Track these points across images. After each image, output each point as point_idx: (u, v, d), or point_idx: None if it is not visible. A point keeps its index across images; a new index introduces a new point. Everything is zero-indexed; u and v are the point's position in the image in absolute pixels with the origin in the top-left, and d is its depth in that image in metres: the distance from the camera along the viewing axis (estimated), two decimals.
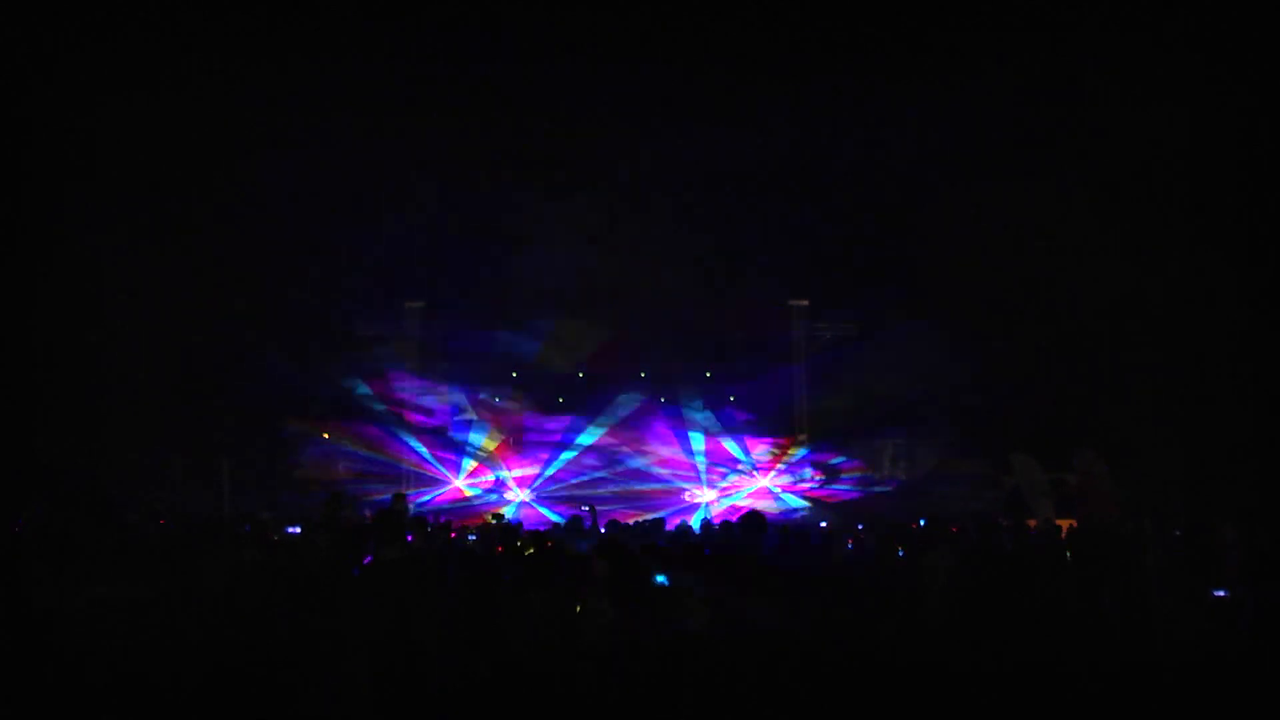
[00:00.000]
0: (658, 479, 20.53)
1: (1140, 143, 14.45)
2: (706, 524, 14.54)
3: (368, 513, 13.02)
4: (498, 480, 20.31)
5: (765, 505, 19.30)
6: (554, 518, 18.45)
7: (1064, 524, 13.57)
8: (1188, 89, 13.80)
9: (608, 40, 14.99)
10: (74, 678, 4.99)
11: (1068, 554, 8.22)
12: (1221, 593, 6.11)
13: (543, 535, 10.02)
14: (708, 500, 20.35)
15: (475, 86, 15.64)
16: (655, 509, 18.91)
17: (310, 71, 14.65)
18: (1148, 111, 14.33)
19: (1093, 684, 5.61)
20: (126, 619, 5.54)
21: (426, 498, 19.19)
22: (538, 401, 20.38)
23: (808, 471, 20.22)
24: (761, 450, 20.40)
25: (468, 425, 20.27)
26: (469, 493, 20.31)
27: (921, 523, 12.19)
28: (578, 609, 5.81)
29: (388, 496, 13.85)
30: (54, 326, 14.72)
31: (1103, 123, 15.27)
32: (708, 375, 20.33)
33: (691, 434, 20.32)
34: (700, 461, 20.51)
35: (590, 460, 20.51)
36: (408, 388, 19.57)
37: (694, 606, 5.86)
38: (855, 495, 19.49)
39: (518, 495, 20.32)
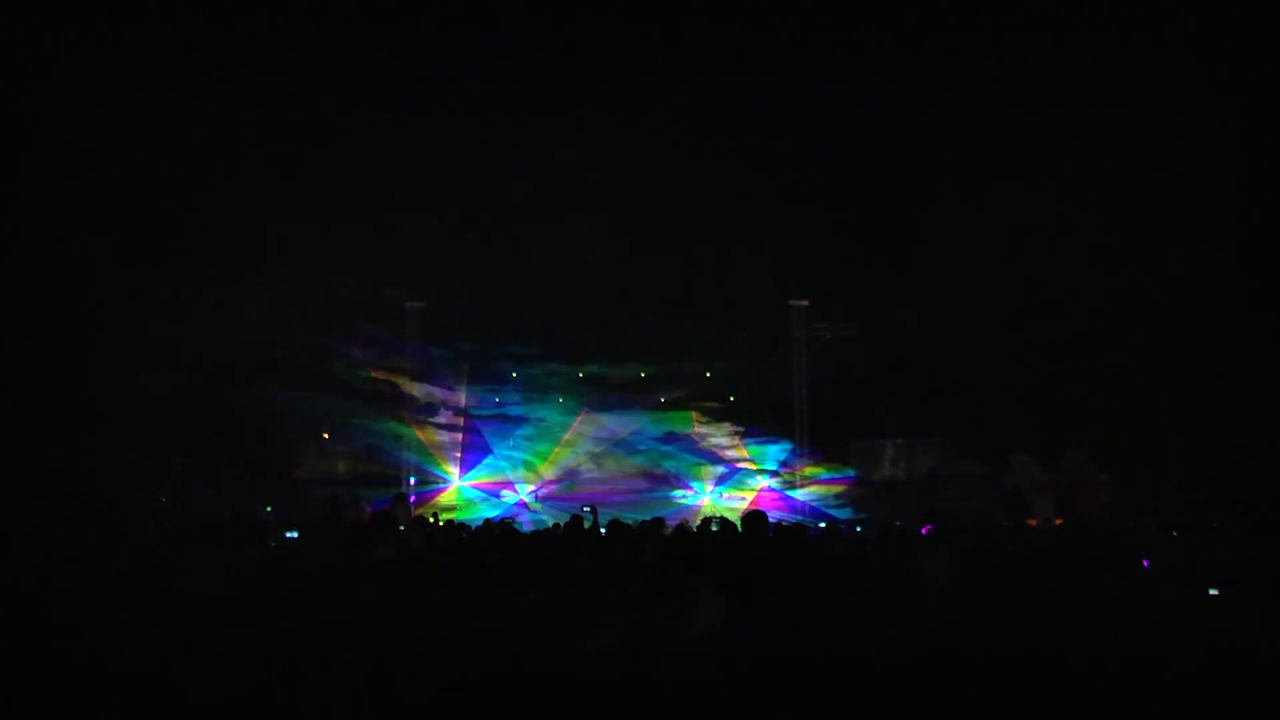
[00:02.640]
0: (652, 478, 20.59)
1: (1139, 143, 14.44)
2: (706, 523, 14.53)
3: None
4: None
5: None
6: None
7: (1059, 522, 13.63)
8: (1186, 90, 13.81)
9: (606, 40, 15.01)
10: (72, 676, 4.99)
11: (1062, 553, 8.22)
12: (1216, 591, 6.13)
13: (544, 536, 10.02)
14: (703, 500, 20.38)
15: (474, 86, 15.66)
16: (653, 509, 18.93)
17: (308, 72, 14.67)
18: (1146, 112, 14.33)
19: (1091, 683, 5.61)
20: (127, 618, 5.55)
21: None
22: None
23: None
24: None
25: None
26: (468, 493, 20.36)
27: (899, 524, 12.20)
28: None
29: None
30: (53, 327, 14.71)
31: (1102, 123, 15.28)
32: (708, 375, 20.35)
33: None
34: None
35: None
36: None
37: (707, 604, 5.84)
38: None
39: (517, 496, 20.37)
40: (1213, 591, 6.17)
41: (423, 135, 16.07)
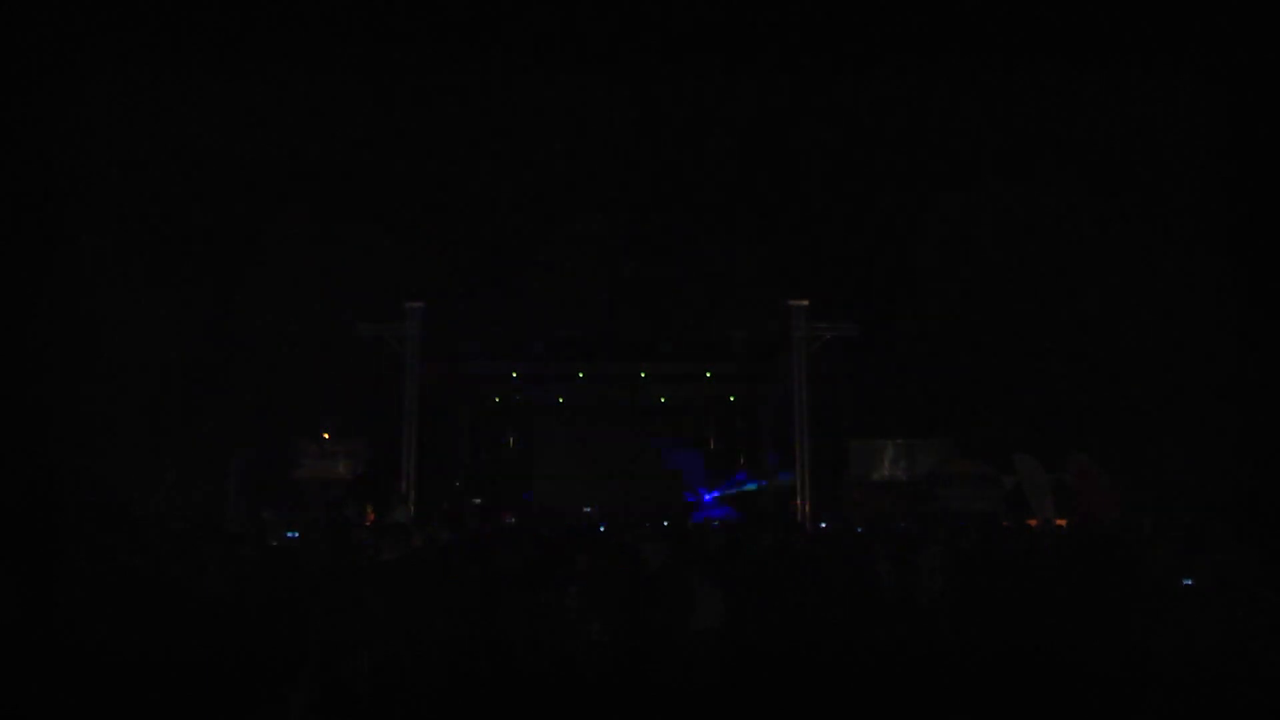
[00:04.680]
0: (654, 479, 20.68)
1: (1139, 142, 14.45)
2: (707, 523, 14.59)
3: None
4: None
5: None
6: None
7: (1060, 523, 13.64)
8: (1187, 89, 13.81)
9: (602, 42, 15.02)
10: (72, 676, 5.00)
11: (1066, 553, 8.23)
12: (1189, 581, 6.15)
13: (544, 536, 10.04)
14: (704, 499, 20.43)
15: (473, 86, 15.66)
16: (654, 509, 18.99)
17: (307, 71, 14.67)
18: (1146, 112, 14.33)
19: (1093, 683, 5.62)
20: (127, 618, 5.56)
21: None
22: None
23: None
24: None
25: None
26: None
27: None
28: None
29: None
30: (53, 329, 14.69)
31: (1102, 123, 15.29)
32: (707, 375, 20.39)
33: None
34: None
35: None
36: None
37: (705, 603, 5.85)
38: None
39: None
40: (1186, 581, 6.19)
41: (421, 134, 16.08)
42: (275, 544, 8.46)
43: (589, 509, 14.77)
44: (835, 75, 15.38)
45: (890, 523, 14.14)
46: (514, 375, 20.37)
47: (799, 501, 18.94)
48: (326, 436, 19.48)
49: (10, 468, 12.86)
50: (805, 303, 19.99)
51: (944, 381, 17.56)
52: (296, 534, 9.28)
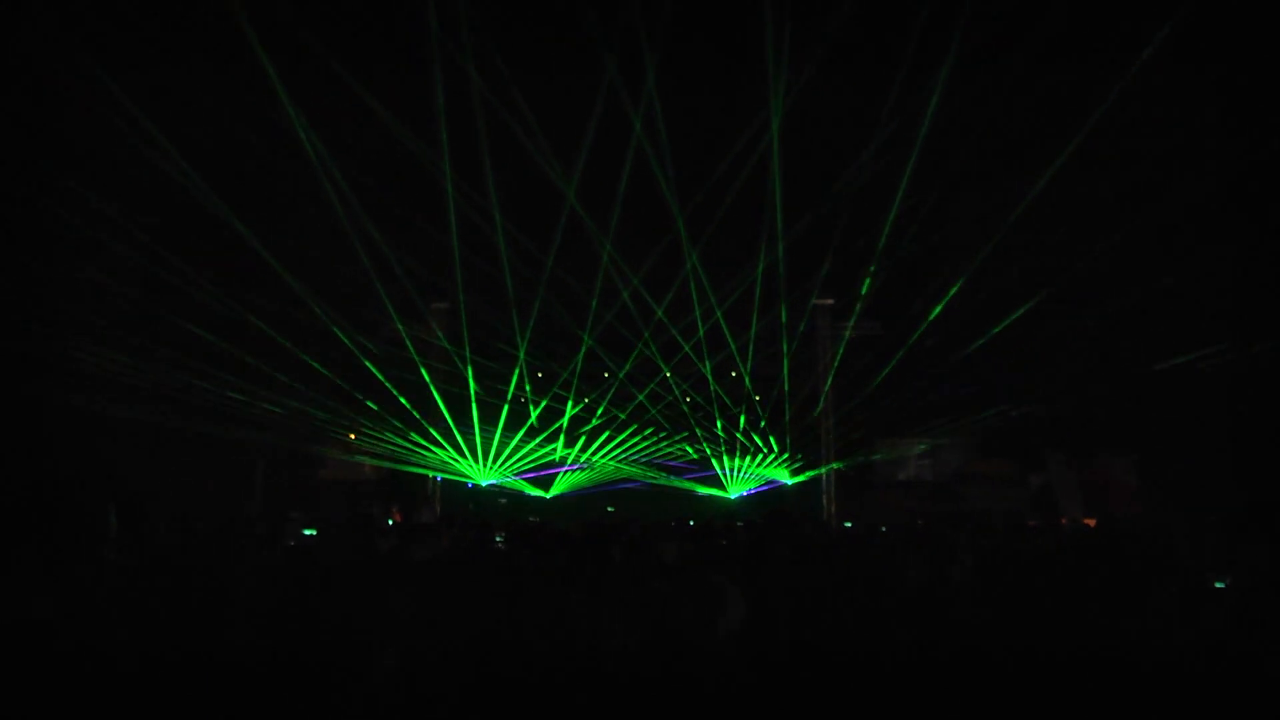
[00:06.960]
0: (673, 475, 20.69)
1: (1148, 140, 14.33)
2: (732, 522, 14.55)
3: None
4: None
5: None
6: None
7: (1089, 522, 13.57)
8: (1205, 83, 13.67)
9: (609, 42, 14.97)
10: (86, 678, 5.02)
11: (1096, 552, 8.15)
12: (1221, 585, 6.09)
13: (565, 534, 10.04)
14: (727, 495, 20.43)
15: (494, 85, 15.66)
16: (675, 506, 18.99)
17: (329, 70, 14.71)
18: (1156, 108, 14.19)
19: (1120, 683, 5.56)
20: (149, 620, 5.59)
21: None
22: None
23: None
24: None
25: None
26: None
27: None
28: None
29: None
30: (66, 327, 14.78)
31: (1115, 120, 15.14)
32: (733, 375, 20.36)
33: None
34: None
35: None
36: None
37: (728, 603, 5.81)
38: None
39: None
40: (1219, 585, 6.14)
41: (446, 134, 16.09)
42: (293, 543, 8.52)
43: (611, 508, 14.83)
44: (849, 69, 15.29)
45: (914, 522, 14.07)
46: (539, 375, 20.40)
47: (825, 501, 18.93)
48: (352, 437, 19.59)
49: (36, 470, 12.97)
50: (830, 302, 19.97)
51: (968, 381, 17.44)
52: (314, 531, 9.35)
